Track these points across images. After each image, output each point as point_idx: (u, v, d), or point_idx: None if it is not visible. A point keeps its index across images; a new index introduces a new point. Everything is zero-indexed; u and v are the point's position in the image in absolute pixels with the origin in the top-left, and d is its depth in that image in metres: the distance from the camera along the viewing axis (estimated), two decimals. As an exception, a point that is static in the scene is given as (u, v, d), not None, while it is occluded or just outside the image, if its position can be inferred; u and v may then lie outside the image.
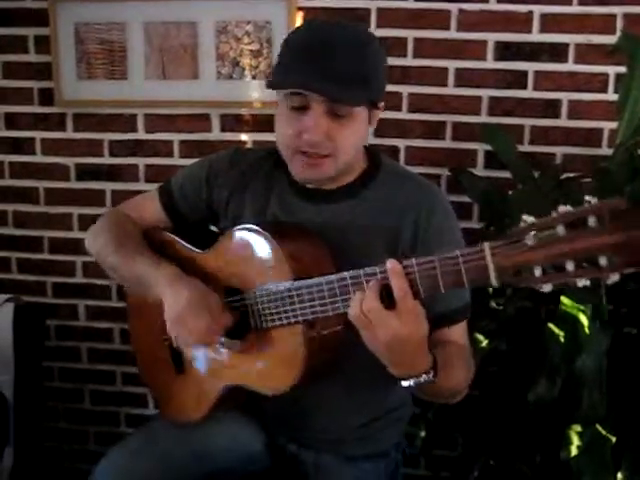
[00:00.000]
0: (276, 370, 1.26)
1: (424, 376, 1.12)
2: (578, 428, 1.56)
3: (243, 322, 1.28)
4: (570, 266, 0.89)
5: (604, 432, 1.53)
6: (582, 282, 0.90)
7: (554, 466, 1.61)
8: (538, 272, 0.92)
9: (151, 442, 1.41)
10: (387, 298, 1.05)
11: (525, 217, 0.93)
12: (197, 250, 1.38)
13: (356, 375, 1.33)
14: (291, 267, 1.20)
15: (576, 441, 1.56)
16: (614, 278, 0.89)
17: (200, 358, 1.38)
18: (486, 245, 0.96)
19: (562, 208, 0.90)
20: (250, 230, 1.27)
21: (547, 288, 0.92)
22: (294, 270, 1.20)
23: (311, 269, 1.21)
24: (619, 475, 1.52)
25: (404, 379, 1.13)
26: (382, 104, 1.31)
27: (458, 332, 1.32)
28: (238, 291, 1.30)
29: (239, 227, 1.30)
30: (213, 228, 1.50)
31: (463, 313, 1.33)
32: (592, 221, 0.87)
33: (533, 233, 0.91)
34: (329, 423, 1.41)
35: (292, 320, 1.21)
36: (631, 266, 0.87)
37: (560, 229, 0.89)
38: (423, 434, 1.87)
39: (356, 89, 1.21)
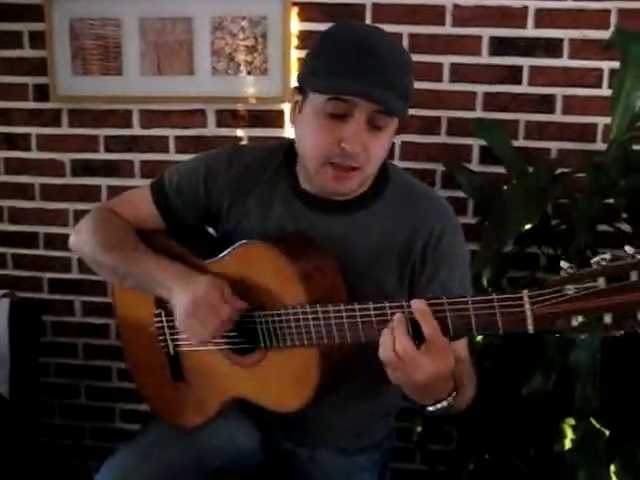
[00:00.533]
0: (287, 389, 1.25)
1: (445, 402, 1.13)
2: (572, 422, 1.57)
3: (251, 339, 1.26)
4: (608, 319, 0.91)
5: (598, 425, 1.54)
6: (619, 334, 0.91)
7: (548, 459, 1.62)
8: (575, 322, 0.93)
9: (160, 445, 1.40)
10: (415, 333, 1.05)
11: (564, 264, 0.92)
12: (198, 259, 1.33)
13: (355, 383, 1.32)
14: (305, 288, 1.18)
15: (570, 434, 1.57)
16: None
17: (202, 368, 1.35)
18: (525, 293, 0.96)
19: (601, 259, 0.90)
20: (262, 247, 1.23)
21: (583, 336, 0.96)
22: (308, 291, 1.18)
23: (324, 288, 1.20)
24: (612, 468, 1.53)
25: (427, 406, 1.14)
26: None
27: (461, 345, 1.29)
28: None
29: (248, 242, 1.26)
30: (210, 230, 1.46)
31: None
32: (634, 276, 0.88)
33: (573, 284, 0.92)
34: (325, 426, 1.41)
35: (306, 342, 1.19)
36: None
37: (601, 282, 0.90)
38: (419, 429, 1.88)
39: (402, 100, 1.19)
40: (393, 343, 1.05)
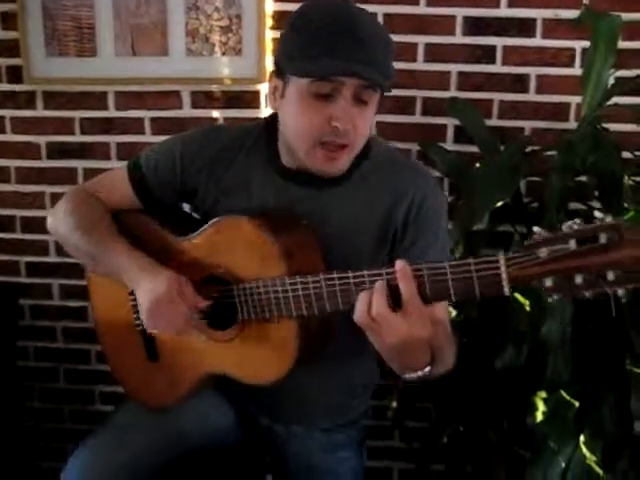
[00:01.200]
0: (265, 362, 1.26)
1: (424, 370, 1.14)
2: (543, 394, 1.60)
3: (229, 313, 1.27)
4: (579, 279, 0.94)
5: (568, 397, 1.57)
6: (589, 294, 0.94)
7: (521, 432, 1.65)
8: (549, 283, 0.96)
9: (134, 428, 1.40)
10: (392, 299, 1.05)
11: (536, 229, 0.95)
12: (176, 236, 1.34)
13: (331, 356, 1.34)
14: (285, 261, 1.19)
15: (541, 407, 1.60)
16: (620, 292, 0.93)
17: (178, 345, 1.35)
18: (501, 257, 0.99)
19: (572, 223, 0.93)
20: (240, 221, 1.24)
21: (556, 297, 0.97)
22: (287, 264, 1.19)
23: (303, 261, 1.21)
24: (581, 438, 1.57)
25: (404, 374, 1.15)
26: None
27: (442, 308, 1.31)
28: (221, 280, 1.27)
29: (226, 217, 1.27)
30: (186, 208, 1.47)
31: None
32: (603, 238, 0.91)
33: (546, 247, 0.94)
34: (300, 398, 1.42)
35: (285, 314, 1.19)
36: (634, 283, 0.91)
37: (572, 244, 0.93)
38: (394, 405, 1.90)
39: (383, 74, 1.19)
40: (368, 305, 1.05)
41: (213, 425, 1.48)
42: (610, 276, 0.92)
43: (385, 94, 1.24)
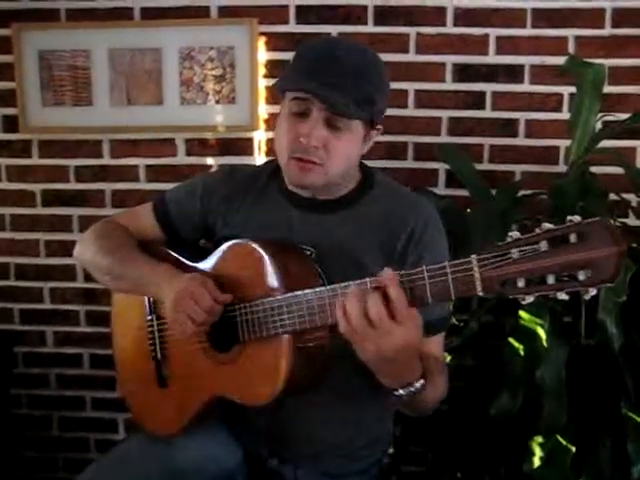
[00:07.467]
0: (258, 381, 1.27)
1: (416, 384, 1.14)
2: (540, 439, 1.59)
3: (231, 334, 1.30)
4: (551, 279, 0.94)
5: (564, 442, 1.56)
6: (561, 295, 0.94)
7: (518, 478, 1.64)
8: (521, 284, 0.96)
9: (124, 461, 1.40)
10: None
11: (511, 233, 0.97)
12: (189, 262, 1.41)
13: (338, 390, 1.34)
14: (281, 280, 1.23)
15: (538, 452, 1.59)
16: (592, 292, 0.93)
17: (184, 371, 1.39)
18: (473, 257, 1.00)
19: (546, 225, 0.94)
20: (240, 244, 1.31)
21: (529, 299, 0.97)
22: (284, 283, 1.23)
23: (301, 282, 1.23)
24: (580, 484, 1.56)
25: (396, 389, 1.15)
26: (380, 127, 1.35)
27: (437, 344, 1.33)
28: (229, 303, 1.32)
29: (233, 241, 1.33)
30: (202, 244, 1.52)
31: (444, 323, 1.36)
32: (573, 238, 0.92)
33: (518, 248, 0.96)
34: (309, 437, 1.41)
35: (280, 331, 1.22)
36: (605, 282, 0.91)
37: (543, 244, 0.94)
38: (391, 450, 1.89)
39: (356, 104, 1.24)
40: (363, 310, 1.05)
41: (218, 465, 1.46)
42: (581, 276, 0.92)
43: (377, 128, 1.32)
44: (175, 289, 1.29)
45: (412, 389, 1.14)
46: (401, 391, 1.15)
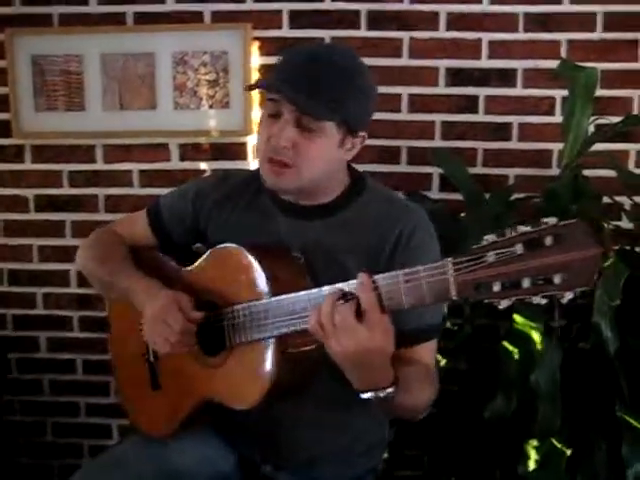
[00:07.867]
0: (244, 385, 1.28)
1: (384, 391, 1.13)
2: (535, 442, 1.60)
3: (220, 338, 1.30)
4: (526, 283, 0.93)
5: (559, 445, 1.56)
6: (537, 299, 0.93)
7: (514, 481, 1.64)
8: (496, 288, 0.95)
9: (120, 461, 1.40)
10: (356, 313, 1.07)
11: (487, 237, 0.96)
12: (180, 267, 1.43)
13: (327, 395, 1.34)
14: (268, 285, 1.24)
15: (533, 455, 1.59)
16: (568, 296, 0.92)
17: (176, 374, 1.40)
18: (448, 261, 0.99)
19: (521, 227, 0.93)
20: (228, 248, 1.31)
21: (504, 304, 0.95)
22: (271, 288, 1.24)
23: (288, 287, 1.23)
24: (575, 487, 1.56)
25: (363, 392, 1.14)
26: (363, 134, 1.32)
27: (427, 350, 1.32)
28: (215, 306, 1.32)
29: (220, 246, 1.34)
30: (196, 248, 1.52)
31: (435, 330, 1.35)
32: (548, 241, 0.91)
33: (494, 251, 0.94)
34: (300, 443, 1.40)
35: (264, 335, 1.23)
36: (581, 285, 0.90)
37: (518, 248, 0.93)
38: (386, 455, 1.88)
39: (326, 106, 1.23)
40: (330, 307, 1.07)
41: (210, 468, 1.46)
42: (557, 279, 0.91)
43: (360, 135, 1.31)
44: (152, 308, 1.30)
45: (381, 394, 1.13)
46: (368, 394, 1.14)
